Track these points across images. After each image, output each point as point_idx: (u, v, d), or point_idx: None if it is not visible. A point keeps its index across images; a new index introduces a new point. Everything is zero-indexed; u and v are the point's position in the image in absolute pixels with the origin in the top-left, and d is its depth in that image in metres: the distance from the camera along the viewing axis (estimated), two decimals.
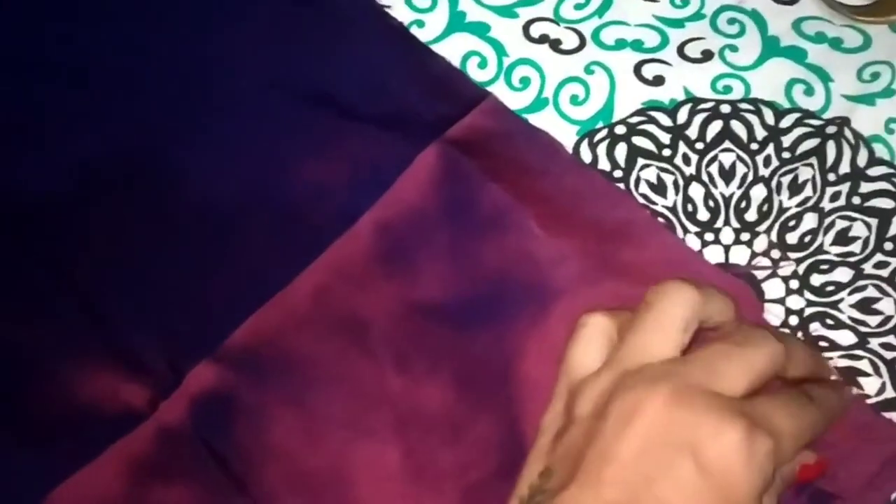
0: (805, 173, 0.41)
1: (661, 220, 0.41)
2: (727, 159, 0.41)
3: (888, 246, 0.39)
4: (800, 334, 0.38)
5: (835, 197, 0.40)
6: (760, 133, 0.42)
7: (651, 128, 0.42)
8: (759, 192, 0.41)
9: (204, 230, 0.42)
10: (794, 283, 0.39)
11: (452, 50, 0.44)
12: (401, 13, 0.45)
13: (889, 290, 0.39)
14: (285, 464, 0.38)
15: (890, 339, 0.38)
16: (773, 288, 0.39)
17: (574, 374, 0.34)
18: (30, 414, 0.39)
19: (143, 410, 0.39)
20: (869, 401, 0.37)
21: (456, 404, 0.39)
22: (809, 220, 0.40)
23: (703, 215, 0.41)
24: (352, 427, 0.39)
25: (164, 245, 0.42)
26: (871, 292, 0.39)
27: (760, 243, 0.40)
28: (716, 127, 0.42)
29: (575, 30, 0.44)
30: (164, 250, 0.42)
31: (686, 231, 0.40)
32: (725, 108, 0.42)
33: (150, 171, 0.43)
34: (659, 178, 0.41)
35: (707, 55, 0.43)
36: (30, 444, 0.39)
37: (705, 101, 0.42)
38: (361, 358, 0.40)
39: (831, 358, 0.38)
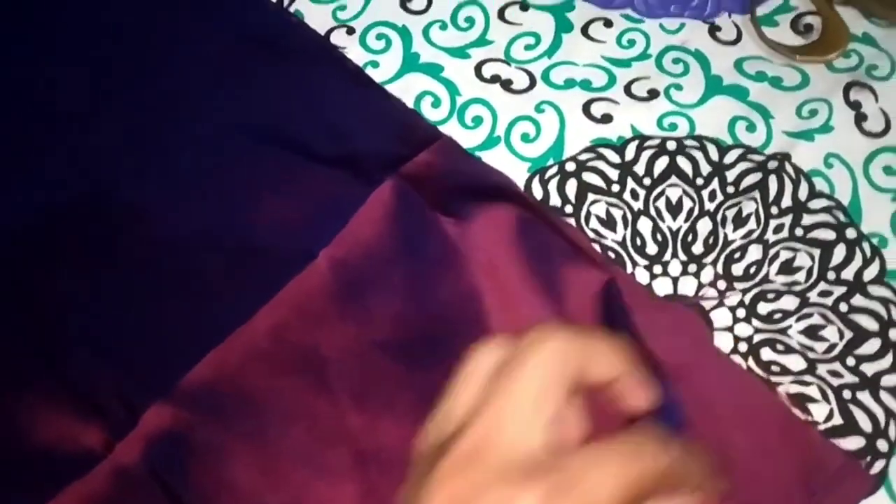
0: (749, 207, 0.42)
1: (610, 254, 0.42)
2: (674, 194, 0.43)
3: (831, 275, 0.41)
4: (751, 360, 0.39)
5: (778, 229, 0.41)
6: (705, 168, 0.43)
7: (600, 164, 0.43)
8: (704, 226, 0.42)
9: (161, 267, 0.42)
10: (742, 312, 0.40)
11: (406, 90, 0.45)
12: (356, 54, 0.46)
13: (833, 317, 0.40)
14: (242, 502, 0.38)
15: (836, 365, 0.39)
16: (721, 317, 0.40)
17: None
18: None
19: (98, 452, 0.39)
20: (818, 427, 0.38)
21: (413, 440, 0.39)
22: (754, 252, 0.41)
23: (651, 249, 0.42)
24: (310, 464, 0.39)
25: (121, 283, 0.42)
26: (816, 320, 0.40)
27: (707, 274, 0.41)
28: (662, 163, 0.43)
29: (525, 70, 0.45)
30: (121, 288, 0.42)
31: (635, 264, 0.41)
32: (671, 145, 0.43)
33: (108, 209, 0.44)
34: (608, 212, 0.42)
35: (653, 94, 0.45)
36: None
37: (652, 138, 0.44)
38: (320, 395, 0.40)
39: (781, 384, 0.39)
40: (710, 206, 0.42)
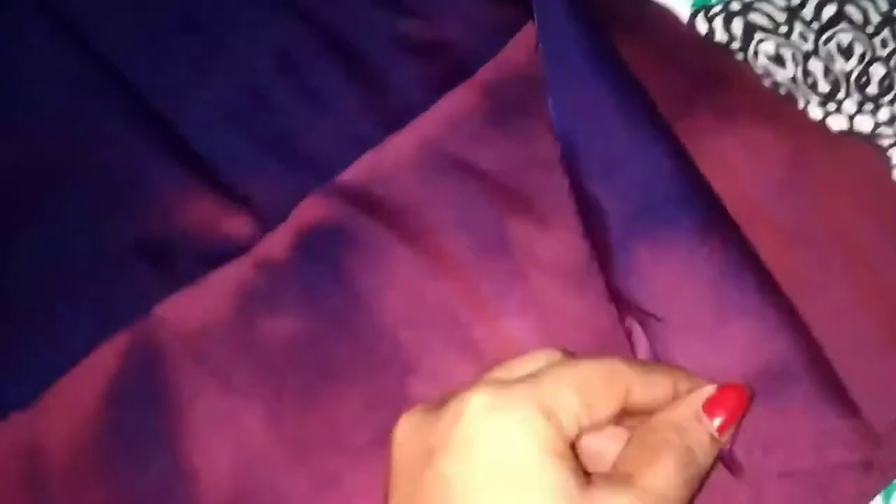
0: None
1: (782, 91, 0.40)
2: (844, 38, 0.41)
3: None
4: None
5: None
6: (875, 18, 0.42)
7: (766, 6, 0.42)
8: (878, 70, 0.40)
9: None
10: None
11: None
12: None
13: None
14: (398, 300, 0.36)
15: None
16: None
17: None
18: (129, 232, 0.36)
19: (245, 241, 0.37)
20: None
21: (579, 252, 0.37)
22: None
23: (823, 87, 0.40)
24: (474, 270, 0.36)
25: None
26: None
27: (884, 114, 0.39)
28: (831, 9, 0.42)
29: None
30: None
31: (808, 101, 0.40)
32: None
33: None
34: (777, 50, 0.41)
35: None
36: (136, 258, 0.35)
37: None
38: (478, 204, 0.38)
39: None
40: (881, 53, 0.41)
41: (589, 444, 0.29)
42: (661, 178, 0.35)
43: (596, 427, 0.28)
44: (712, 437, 0.29)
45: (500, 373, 0.29)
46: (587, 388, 0.27)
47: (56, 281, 0.35)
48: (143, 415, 0.34)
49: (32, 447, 0.33)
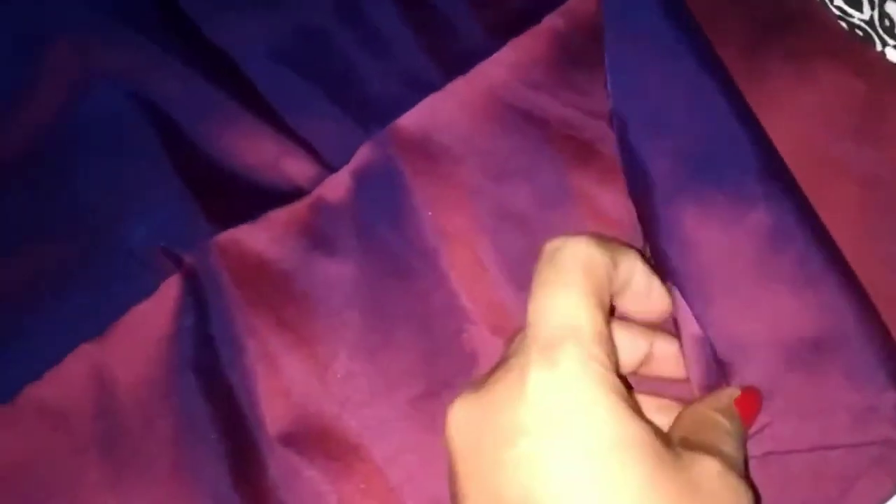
0: None
1: (858, 32, 0.39)
2: None
3: None
4: None
5: None
6: None
7: None
8: None
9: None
10: None
11: None
12: None
13: None
14: (454, 249, 0.36)
15: None
16: None
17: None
18: (190, 167, 0.37)
19: (304, 183, 0.37)
20: None
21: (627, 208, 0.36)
22: None
23: None
24: (535, 221, 0.36)
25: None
26: None
27: None
28: None
29: None
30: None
31: (885, 44, 0.38)
32: None
33: None
34: None
35: None
36: (190, 195, 0.36)
37: None
38: (541, 154, 0.37)
39: None
40: None
41: None
42: (712, 137, 0.33)
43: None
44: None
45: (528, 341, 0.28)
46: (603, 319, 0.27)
47: (119, 206, 0.36)
48: (203, 352, 0.34)
49: (102, 378, 0.34)
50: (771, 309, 0.31)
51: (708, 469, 0.26)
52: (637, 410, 0.26)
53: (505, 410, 0.26)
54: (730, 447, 0.28)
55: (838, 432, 0.30)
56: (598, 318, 0.27)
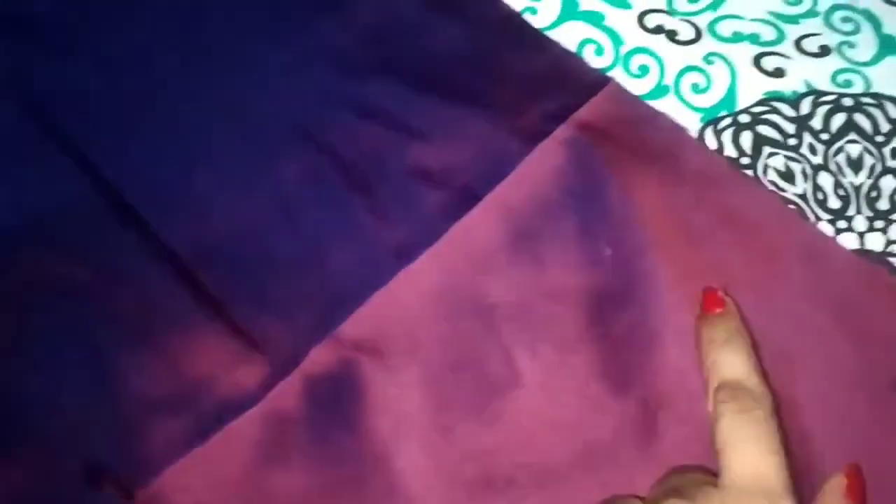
0: None
1: (791, 207, 0.40)
2: (854, 150, 0.41)
3: None
4: None
5: None
6: (885, 126, 0.41)
7: (775, 118, 0.41)
8: (889, 183, 0.40)
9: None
10: None
11: (567, 38, 0.43)
12: (512, 0, 0.45)
13: None
14: (411, 450, 0.36)
15: None
16: None
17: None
18: (138, 386, 0.36)
19: (255, 392, 0.37)
20: None
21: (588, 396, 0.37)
22: None
23: (834, 203, 0.40)
24: (480, 413, 0.37)
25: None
26: None
27: (895, 231, 0.39)
28: (839, 119, 0.41)
29: (690, 22, 0.44)
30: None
31: (818, 218, 0.40)
32: (847, 101, 0.42)
33: None
34: (787, 166, 0.40)
35: (825, 50, 0.43)
36: (141, 417, 0.36)
37: (827, 93, 0.42)
38: (488, 342, 0.38)
39: None
40: (892, 164, 0.40)
41: None
42: None
43: None
44: None
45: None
46: None
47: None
48: None
49: None
50: None
51: None
52: None
53: None
54: None
55: None
56: None
